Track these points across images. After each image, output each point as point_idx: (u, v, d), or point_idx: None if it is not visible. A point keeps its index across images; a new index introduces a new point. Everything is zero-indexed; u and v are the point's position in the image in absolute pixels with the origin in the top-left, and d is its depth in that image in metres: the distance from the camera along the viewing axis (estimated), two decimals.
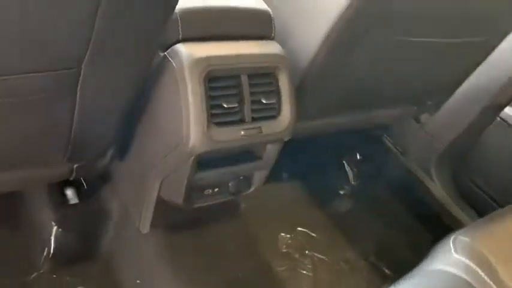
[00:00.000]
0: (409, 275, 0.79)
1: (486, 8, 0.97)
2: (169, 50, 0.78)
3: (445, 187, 1.47)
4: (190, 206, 0.90)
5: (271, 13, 0.87)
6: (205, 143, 0.77)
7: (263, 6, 0.87)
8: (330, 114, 1.15)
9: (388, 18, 0.85)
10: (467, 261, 0.78)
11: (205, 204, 0.93)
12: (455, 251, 0.81)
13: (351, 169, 1.59)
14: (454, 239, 0.84)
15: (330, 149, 1.54)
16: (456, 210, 1.42)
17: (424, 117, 1.42)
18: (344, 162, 1.60)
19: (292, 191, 1.49)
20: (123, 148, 0.97)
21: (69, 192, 1.05)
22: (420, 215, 1.48)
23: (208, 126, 0.77)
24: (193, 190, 0.87)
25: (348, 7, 0.77)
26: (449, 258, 0.79)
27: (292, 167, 1.52)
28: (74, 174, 0.90)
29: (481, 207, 1.37)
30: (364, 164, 1.59)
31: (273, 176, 1.40)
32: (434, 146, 1.45)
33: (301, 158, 1.50)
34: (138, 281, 0.97)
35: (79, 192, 1.06)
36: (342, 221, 1.45)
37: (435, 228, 1.26)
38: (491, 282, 0.76)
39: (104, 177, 1.07)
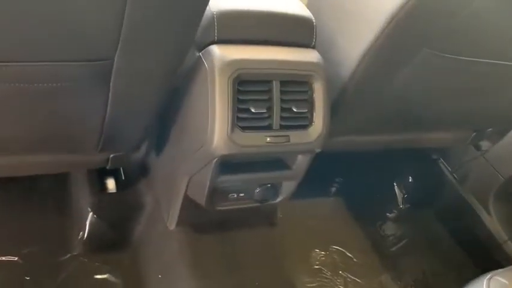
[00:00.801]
0: None
1: None
2: (203, 50, 0.78)
3: (502, 222, 1.35)
4: (213, 207, 0.90)
5: (313, 21, 0.84)
6: (228, 146, 0.76)
7: (306, 12, 0.85)
8: (375, 131, 1.10)
9: (435, 36, 0.80)
10: None
11: (229, 207, 0.92)
12: None
13: (401, 192, 1.51)
14: (490, 279, 0.77)
15: (381, 169, 1.48)
16: (508, 247, 1.31)
17: (484, 144, 1.32)
18: (394, 184, 1.53)
19: (334, 208, 1.44)
20: (158, 143, 1.00)
21: (108, 181, 1.10)
22: (470, 249, 1.38)
23: (232, 130, 0.76)
24: (216, 192, 0.87)
25: (387, 26, 0.74)
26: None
27: (339, 183, 1.47)
28: (109, 164, 0.94)
29: None
30: (416, 188, 1.50)
31: (317, 189, 1.38)
32: (494, 177, 1.35)
33: (349, 174, 1.45)
34: (159, 276, 0.99)
35: (117, 183, 1.10)
36: (383, 245, 1.38)
37: (484, 265, 1.16)
38: None
39: (142, 171, 1.10)
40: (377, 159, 1.38)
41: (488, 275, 0.79)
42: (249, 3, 0.81)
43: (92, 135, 0.82)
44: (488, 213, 1.36)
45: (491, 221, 1.35)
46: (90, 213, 1.06)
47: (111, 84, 0.71)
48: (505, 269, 0.80)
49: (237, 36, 0.79)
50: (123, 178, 1.09)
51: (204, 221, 1.03)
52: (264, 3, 0.83)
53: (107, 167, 0.95)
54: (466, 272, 1.31)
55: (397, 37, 0.78)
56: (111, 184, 1.09)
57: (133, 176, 1.10)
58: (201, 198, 0.87)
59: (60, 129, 0.81)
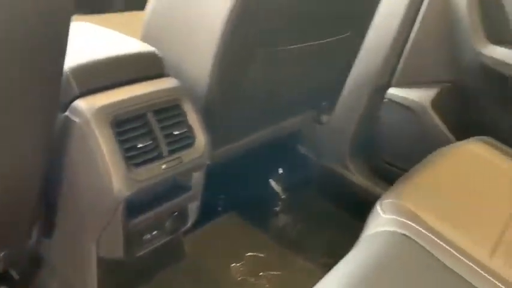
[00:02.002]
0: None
1: (346, 7, 1.11)
2: (68, 108, 0.79)
3: (363, 174, 1.58)
4: (133, 256, 0.89)
5: (157, 53, 0.92)
6: (129, 186, 0.78)
7: (148, 48, 0.92)
8: (247, 132, 1.21)
9: (262, 33, 0.94)
10: (397, 218, 0.86)
11: (147, 250, 0.92)
12: (384, 213, 0.88)
13: (277, 184, 1.65)
14: (381, 204, 0.92)
15: (254, 170, 1.60)
16: (378, 190, 1.53)
17: (324, 117, 1.53)
18: (270, 180, 1.66)
19: (230, 221, 1.51)
20: (48, 224, 0.94)
21: None
22: (351, 208, 1.57)
23: (128, 169, 0.78)
24: (131, 239, 0.86)
25: (224, 32, 0.85)
26: (381, 220, 0.86)
27: (225, 199, 1.55)
28: (1, 266, 0.85)
29: None
30: (288, 176, 1.66)
31: (210, 213, 1.42)
32: (341, 140, 1.57)
33: (230, 187, 1.53)
34: None
35: (13, 286, 0.99)
36: (285, 235, 1.49)
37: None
38: (422, 229, 0.84)
39: (36, 262, 1.01)
40: (247, 163, 1.48)
41: (378, 202, 0.93)
42: (93, 53, 0.84)
43: None
44: (350, 171, 1.58)
45: (356, 177, 1.57)
46: None
47: None
48: (387, 191, 0.96)
49: (96, 85, 0.82)
50: (17, 278, 0.99)
51: (123, 279, 0.99)
52: (107, 49, 0.87)
53: None
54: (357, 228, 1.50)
55: (235, 40, 0.89)
56: None
57: (29, 272, 1.00)
58: (118, 251, 0.86)
59: None
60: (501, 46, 1.26)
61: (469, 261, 0.80)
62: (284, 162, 1.63)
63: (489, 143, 1.17)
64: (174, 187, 0.93)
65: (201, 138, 0.90)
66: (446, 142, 1.19)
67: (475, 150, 1.14)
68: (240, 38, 0.89)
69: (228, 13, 0.83)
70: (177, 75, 0.93)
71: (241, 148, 1.22)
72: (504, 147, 1.17)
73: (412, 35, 1.39)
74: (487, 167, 1.09)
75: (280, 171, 1.65)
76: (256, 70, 1.00)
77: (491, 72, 1.27)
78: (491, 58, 1.27)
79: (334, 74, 1.36)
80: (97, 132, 0.76)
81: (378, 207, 0.91)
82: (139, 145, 0.81)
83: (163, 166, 0.83)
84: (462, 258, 0.81)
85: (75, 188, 0.85)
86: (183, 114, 0.89)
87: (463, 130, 1.27)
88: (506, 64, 1.24)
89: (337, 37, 1.16)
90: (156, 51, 0.92)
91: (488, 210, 0.94)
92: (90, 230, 0.86)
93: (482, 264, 0.80)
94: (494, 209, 0.95)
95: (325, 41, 1.11)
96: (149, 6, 0.99)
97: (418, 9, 1.37)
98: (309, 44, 1.07)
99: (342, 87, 1.46)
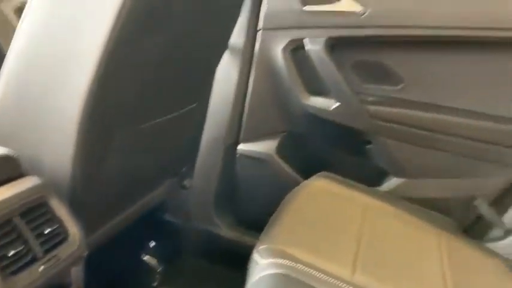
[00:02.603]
0: None
1: (190, 80, 1.22)
2: None
3: (232, 227, 1.68)
4: None
5: (11, 153, 0.89)
6: None
7: (4, 150, 0.89)
8: (116, 213, 1.21)
9: (119, 114, 0.99)
10: (275, 260, 0.96)
11: None
12: (262, 258, 0.98)
13: (152, 258, 1.64)
14: (257, 251, 1.01)
15: (127, 250, 1.57)
16: (249, 239, 1.63)
17: (186, 182, 1.61)
18: (144, 258, 1.64)
19: None
20: None
21: None
22: (228, 262, 1.63)
23: (3, 280, 0.73)
24: None
25: (82, 119, 0.88)
26: (261, 266, 0.96)
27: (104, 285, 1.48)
28: None
29: None
30: (161, 248, 1.67)
31: None
32: (205, 200, 1.66)
33: (106, 272, 1.48)
34: None
35: None
36: None
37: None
38: (298, 265, 0.96)
39: None
40: (123, 242, 1.45)
41: (254, 250, 1.02)
42: None
43: None
44: (219, 227, 1.66)
45: (226, 232, 1.66)
46: None
47: None
48: (261, 237, 1.06)
49: None
50: None
51: None
52: None
53: None
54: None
55: (93, 124, 0.90)
56: None
57: None
58: None
59: None
60: (319, 96, 1.51)
61: (338, 282, 0.94)
62: (155, 234, 1.64)
63: (330, 177, 1.38)
64: (54, 286, 0.89)
65: (73, 230, 0.89)
66: (296, 183, 1.36)
67: (321, 186, 1.33)
68: (98, 122, 0.92)
69: (84, 101, 0.86)
70: (37, 172, 0.91)
71: (113, 230, 1.21)
72: (341, 178, 1.39)
73: (248, 96, 1.57)
74: (334, 198, 1.28)
75: (153, 244, 1.65)
76: (116, 150, 1.04)
77: (316, 119, 1.51)
78: (314, 107, 1.51)
79: (189, 141, 1.46)
80: None
81: (256, 255, 1.00)
82: (11, 252, 0.77)
83: (41, 268, 0.79)
84: (332, 280, 0.94)
85: None
86: (50, 210, 0.87)
87: (307, 170, 1.47)
88: (325, 110, 1.49)
89: (187, 108, 1.26)
90: (10, 152, 0.89)
91: (343, 235, 1.11)
92: None
93: (347, 281, 0.94)
94: (346, 233, 1.12)
95: (178, 113, 1.20)
96: None
97: (249, 73, 1.57)
98: (164, 118, 1.15)
99: (198, 151, 1.57)
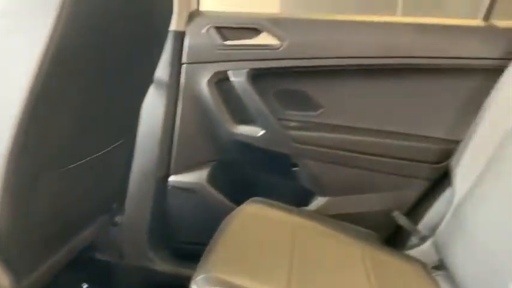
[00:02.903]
0: None
1: (116, 118, 1.23)
2: None
3: (167, 261, 1.67)
4: None
5: None
6: None
7: None
8: (47, 257, 1.16)
9: (44, 157, 0.98)
10: None
11: None
12: None
13: None
14: (195, 282, 1.03)
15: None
16: (186, 271, 1.63)
17: (117, 218, 1.58)
18: None
19: None
20: None
21: None
22: None
23: None
24: None
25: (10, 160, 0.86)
26: None
27: None
28: None
29: None
30: None
31: None
32: (138, 235, 1.64)
33: None
34: None
35: None
36: None
37: None
38: None
39: None
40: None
41: (191, 281, 1.04)
42: None
43: None
44: (154, 262, 1.65)
45: (162, 266, 1.64)
46: None
47: None
48: (197, 268, 1.08)
49: None
50: None
51: None
52: None
53: None
54: None
55: (21, 167, 0.89)
56: None
57: None
58: None
59: None
60: (245, 125, 1.58)
61: None
62: (88, 275, 1.59)
63: (261, 201, 1.44)
64: None
65: (2, 281, 0.86)
66: (229, 210, 1.40)
67: (253, 211, 1.38)
68: (22, 167, 0.90)
69: (7, 148, 0.85)
70: None
71: (45, 275, 1.17)
72: (272, 202, 1.45)
73: (177, 128, 1.60)
74: (265, 221, 1.34)
75: (85, 286, 1.60)
76: (43, 193, 1.02)
77: (243, 146, 1.57)
78: (241, 135, 1.57)
79: (118, 176, 1.45)
80: None
81: (193, 286, 1.01)
82: None
83: None
84: None
85: None
86: None
87: (239, 196, 1.51)
88: (252, 137, 1.56)
89: (114, 145, 1.26)
90: None
91: (276, 256, 1.16)
92: None
93: None
94: (279, 254, 1.17)
95: (105, 150, 1.20)
96: None
97: (176, 106, 1.60)
98: (89, 158, 1.14)
99: (127, 187, 1.56)
